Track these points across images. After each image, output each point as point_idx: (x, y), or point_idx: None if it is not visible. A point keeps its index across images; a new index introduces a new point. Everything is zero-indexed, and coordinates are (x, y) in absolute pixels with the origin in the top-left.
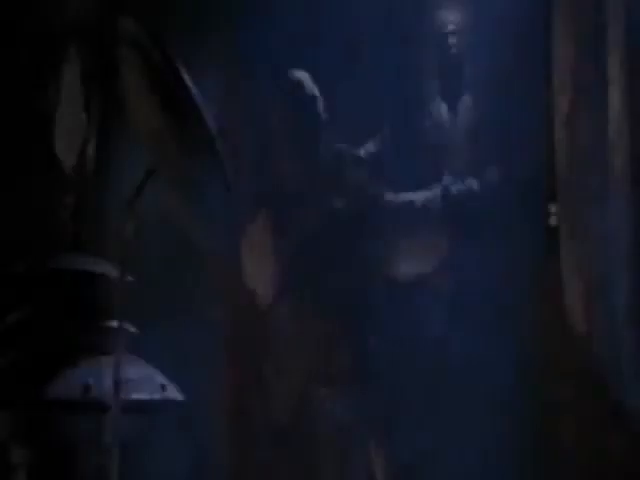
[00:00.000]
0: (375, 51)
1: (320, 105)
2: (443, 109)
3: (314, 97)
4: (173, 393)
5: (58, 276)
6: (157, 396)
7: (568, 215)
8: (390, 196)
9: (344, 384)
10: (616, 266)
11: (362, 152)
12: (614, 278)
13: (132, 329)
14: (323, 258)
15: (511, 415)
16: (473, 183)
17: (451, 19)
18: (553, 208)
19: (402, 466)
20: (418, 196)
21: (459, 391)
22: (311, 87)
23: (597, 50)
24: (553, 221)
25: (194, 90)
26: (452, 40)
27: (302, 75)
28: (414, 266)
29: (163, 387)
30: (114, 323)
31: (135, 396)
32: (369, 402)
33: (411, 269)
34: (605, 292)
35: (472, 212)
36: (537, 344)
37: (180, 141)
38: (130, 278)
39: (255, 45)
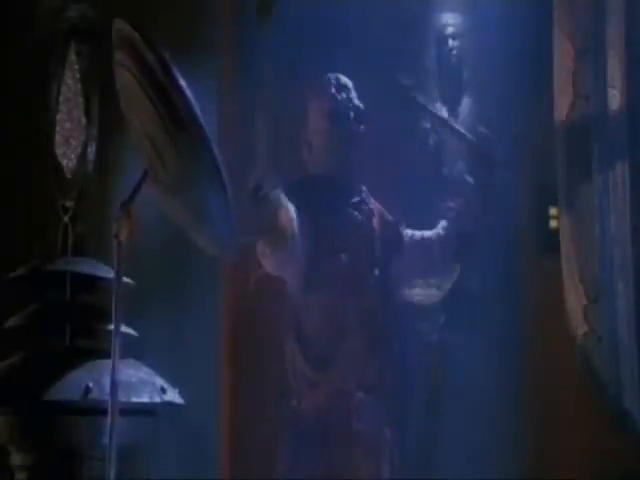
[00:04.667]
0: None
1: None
2: (443, 112)
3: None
4: (173, 396)
5: (58, 279)
6: (157, 399)
7: (568, 217)
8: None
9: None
10: (616, 267)
11: None
12: (614, 279)
13: (131, 332)
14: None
15: (511, 415)
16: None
17: (451, 22)
18: (553, 210)
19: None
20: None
21: (458, 392)
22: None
23: (597, 50)
24: (553, 223)
25: (189, 92)
26: (452, 43)
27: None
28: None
29: (163, 390)
30: (113, 326)
31: (135, 399)
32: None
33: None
34: (605, 293)
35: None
36: (537, 345)
37: (175, 143)
38: (129, 281)
39: (255, 45)
